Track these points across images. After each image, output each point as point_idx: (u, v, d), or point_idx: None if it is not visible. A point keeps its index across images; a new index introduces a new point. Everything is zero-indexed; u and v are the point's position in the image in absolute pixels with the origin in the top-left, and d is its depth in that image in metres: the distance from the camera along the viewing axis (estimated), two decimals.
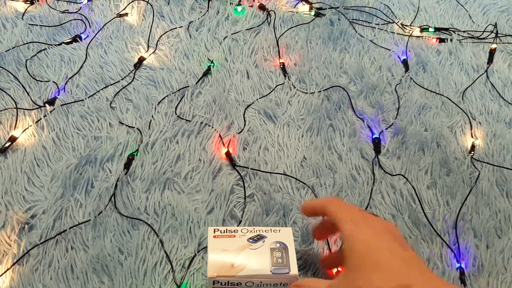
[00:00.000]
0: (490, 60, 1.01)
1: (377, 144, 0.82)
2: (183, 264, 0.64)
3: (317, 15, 1.08)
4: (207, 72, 0.93)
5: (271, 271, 0.51)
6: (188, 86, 0.90)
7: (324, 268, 0.62)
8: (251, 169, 0.77)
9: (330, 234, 0.60)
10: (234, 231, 0.55)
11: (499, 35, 1.07)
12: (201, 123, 0.83)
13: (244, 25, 1.04)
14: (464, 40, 1.06)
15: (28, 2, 1.04)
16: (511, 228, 0.72)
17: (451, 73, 0.98)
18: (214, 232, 0.56)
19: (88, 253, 0.64)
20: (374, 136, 0.83)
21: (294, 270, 0.52)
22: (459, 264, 0.66)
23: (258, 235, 0.54)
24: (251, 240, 0.53)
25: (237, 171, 0.77)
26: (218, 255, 0.52)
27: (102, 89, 0.88)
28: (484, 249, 0.68)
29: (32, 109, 0.83)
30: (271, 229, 0.56)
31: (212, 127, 0.83)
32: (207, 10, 1.06)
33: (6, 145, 0.77)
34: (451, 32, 1.08)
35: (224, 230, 0.55)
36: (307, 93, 0.91)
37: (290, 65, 0.96)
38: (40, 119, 0.82)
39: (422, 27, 1.08)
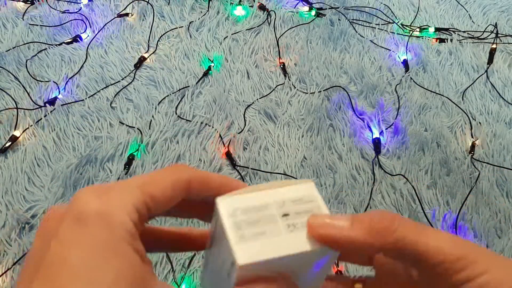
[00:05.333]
0: (490, 60, 1.01)
1: (377, 144, 0.82)
2: (183, 264, 0.64)
3: (317, 15, 1.08)
4: (207, 72, 0.93)
5: None
6: (189, 86, 0.90)
7: None
8: (251, 169, 0.77)
9: None
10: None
11: (499, 35, 1.07)
12: (202, 123, 0.83)
13: (244, 25, 1.04)
14: (464, 40, 1.06)
15: (29, 2, 1.04)
16: (511, 228, 0.72)
17: (451, 73, 0.98)
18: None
19: None
20: (374, 136, 0.83)
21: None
22: None
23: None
24: None
25: (237, 171, 0.77)
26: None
27: (102, 89, 0.88)
28: None
29: (33, 109, 0.84)
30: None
31: (213, 127, 0.83)
32: (208, 10, 1.06)
33: (7, 145, 0.77)
34: (451, 32, 1.08)
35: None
36: (307, 93, 0.91)
37: (290, 65, 0.96)
38: (41, 119, 0.82)
39: (422, 27, 1.08)
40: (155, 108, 0.85)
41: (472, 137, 0.85)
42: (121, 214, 0.19)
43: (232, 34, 1.01)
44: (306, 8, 1.10)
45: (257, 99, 0.89)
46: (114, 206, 0.19)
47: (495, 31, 1.08)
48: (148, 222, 0.22)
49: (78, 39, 0.98)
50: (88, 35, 0.99)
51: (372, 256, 0.26)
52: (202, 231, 0.27)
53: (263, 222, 0.22)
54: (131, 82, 0.90)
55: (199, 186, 0.23)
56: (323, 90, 0.91)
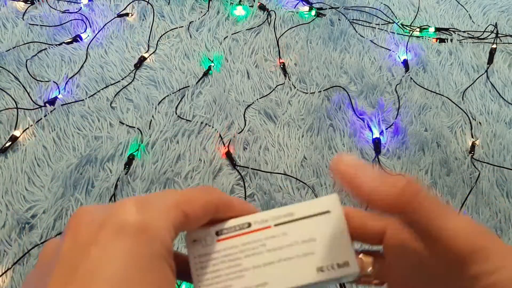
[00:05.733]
0: (490, 60, 1.01)
1: (377, 144, 0.82)
2: None
3: (317, 15, 1.08)
4: (207, 72, 0.93)
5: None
6: (189, 86, 0.90)
7: None
8: (251, 169, 0.77)
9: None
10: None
11: (499, 35, 1.07)
12: (202, 123, 0.83)
13: (244, 25, 1.04)
14: (464, 40, 1.06)
15: (29, 2, 1.04)
16: (511, 228, 0.72)
17: (451, 73, 0.98)
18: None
19: None
20: (374, 136, 0.83)
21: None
22: None
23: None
24: None
25: (237, 171, 0.77)
26: None
27: (102, 89, 0.88)
28: None
29: (33, 109, 0.83)
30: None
31: (213, 127, 0.83)
32: (208, 10, 1.06)
33: (7, 144, 0.77)
34: (451, 32, 1.08)
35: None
36: (307, 93, 0.91)
37: (291, 65, 0.96)
38: (41, 119, 0.82)
39: (422, 27, 1.08)
40: (155, 108, 0.85)
41: (472, 137, 0.85)
42: (161, 230, 0.19)
43: (232, 34, 1.01)
44: (306, 8, 1.10)
45: (257, 99, 0.89)
46: (155, 221, 0.20)
47: (495, 31, 1.08)
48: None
49: (78, 39, 0.98)
50: (88, 35, 0.99)
51: (382, 233, 0.25)
52: None
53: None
54: (131, 82, 0.90)
55: (224, 210, 0.24)
56: (323, 90, 0.91)
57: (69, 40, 0.97)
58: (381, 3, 1.14)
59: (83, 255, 0.18)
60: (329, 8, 1.10)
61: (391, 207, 0.20)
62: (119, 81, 0.90)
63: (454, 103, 0.91)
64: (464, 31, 1.08)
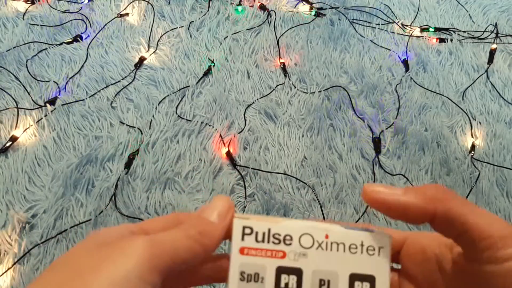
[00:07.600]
0: (490, 60, 1.01)
1: (377, 144, 0.82)
2: None
3: (318, 15, 1.08)
4: (207, 72, 0.93)
5: None
6: (189, 86, 0.90)
7: None
8: (251, 168, 0.77)
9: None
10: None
11: (499, 35, 1.07)
12: (202, 122, 0.83)
13: (244, 25, 1.04)
14: (464, 40, 1.06)
15: (29, 2, 1.04)
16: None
17: (451, 73, 0.98)
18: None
19: None
20: (374, 136, 0.83)
21: None
22: None
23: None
24: None
25: (237, 170, 0.77)
26: None
27: (102, 88, 0.88)
28: None
29: (33, 109, 0.84)
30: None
31: (213, 126, 0.83)
32: (208, 10, 1.06)
33: (7, 144, 0.77)
34: (452, 32, 1.08)
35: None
36: (307, 93, 0.91)
37: (291, 65, 0.96)
38: (41, 118, 0.82)
39: (423, 27, 1.08)
40: (156, 108, 0.86)
41: (472, 137, 0.85)
42: None
43: (232, 34, 1.01)
44: (307, 8, 1.10)
45: (257, 99, 0.89)
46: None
47: (495, 31, 1.08)
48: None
49: (79, 38, 0.98)
50: (88, 35, 0.99)
51: (401, 245, 0.27)
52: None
53: None
54: (131, 82, 0.90)
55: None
56: (323, 90, 0.91)
57: (70, 40, 0.97)
58: (381, 3, 1.14)
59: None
60: (329, 8, 1.10)
61: (427, 213, 0.22)
62: (120, 81, 0.90)
63: (454, 103, 0.91)
64: (464, 31, 1.08)
